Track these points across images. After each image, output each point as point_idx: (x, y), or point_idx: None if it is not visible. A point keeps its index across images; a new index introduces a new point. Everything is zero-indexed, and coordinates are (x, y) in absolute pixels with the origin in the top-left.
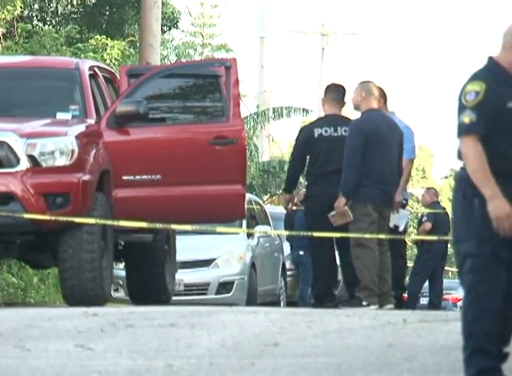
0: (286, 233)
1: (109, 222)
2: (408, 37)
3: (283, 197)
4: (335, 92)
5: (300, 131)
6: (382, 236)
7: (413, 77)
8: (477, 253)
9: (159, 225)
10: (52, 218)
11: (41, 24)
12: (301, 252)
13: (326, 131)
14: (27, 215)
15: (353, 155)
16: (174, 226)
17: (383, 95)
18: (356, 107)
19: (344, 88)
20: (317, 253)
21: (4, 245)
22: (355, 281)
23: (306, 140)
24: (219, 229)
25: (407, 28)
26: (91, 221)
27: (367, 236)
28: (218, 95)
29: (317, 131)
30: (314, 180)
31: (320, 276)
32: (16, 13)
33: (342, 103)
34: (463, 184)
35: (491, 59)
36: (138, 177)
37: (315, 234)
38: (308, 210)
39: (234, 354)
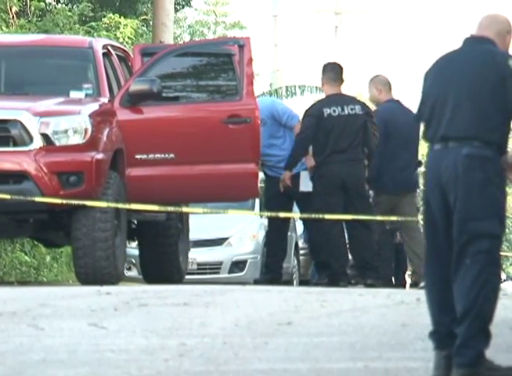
0: (298, 215)
1: (120, 206)
2: (421, 15)
3: None
4: (332, 71)
5: (307, 111)
6: (393, 218)
7: (427, 56)
8: (497, 234)
9: (170, 209)
10: (64, 201)
11: (54, 2)
12: None
13: (334, 111)
14: (38, 199)
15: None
16: (185, 209)
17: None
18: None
19: (340, 66)
20: (330, 234)
21: (17, 224)
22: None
23: (316, 120)
24: (230, 211)
25: (420, 6)
26: (103, 204)
27: (379, 218)
28: (232, 74)
29: (326, 111)
30: (323, 160)
31: (334, 256)
32: None
33: (341, 81)
34: (485, 163)
35: (492, 40)
36: (151, 156)
37: (327, 217)
38: (317, 190)
39: (248, 333)
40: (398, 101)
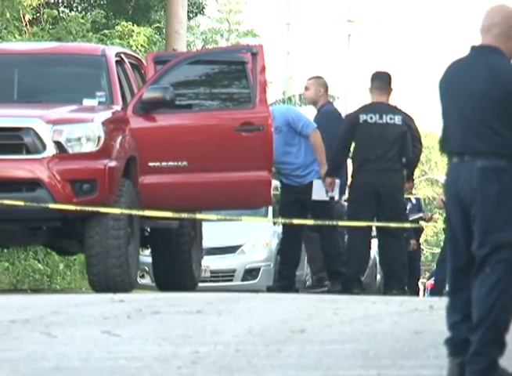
0: (311, 222)
1: (134, 212)
2: (433, 23)
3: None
4: (378, 80)
5: (345, 117)
6: (407, 225)
7: (439, 63)
8: None
9: (184, 216)
10: (78, 208)
11: (67, 10)
12: None
13: (371, 118)
14: (52, 205)
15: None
16: (199, 216)
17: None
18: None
19: (388, 75)
20: (350, 240)
21: (30, 232)
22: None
23: (351, 126)
24: (244, 218)
25: (433, 14)
26: (117, 211)
27: (393, 225)
28: (245, 82)
29: (362, 118)
30: (357, 168)
31: (349, 263)
32: None
33: (388, 90)
34: (499, 174)
35: (497, 49)
36: (164, 163)
37: (340, 223)
38: (350, 198)
39: (260, 340)
40: (332, 103)
